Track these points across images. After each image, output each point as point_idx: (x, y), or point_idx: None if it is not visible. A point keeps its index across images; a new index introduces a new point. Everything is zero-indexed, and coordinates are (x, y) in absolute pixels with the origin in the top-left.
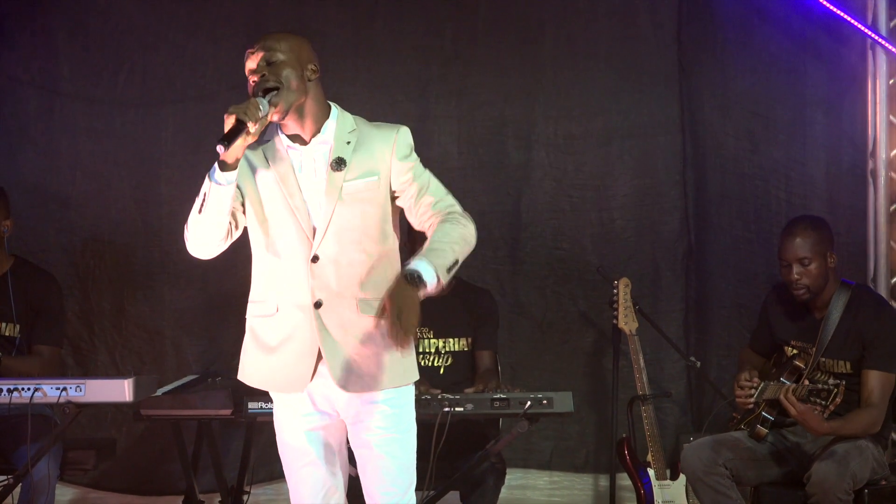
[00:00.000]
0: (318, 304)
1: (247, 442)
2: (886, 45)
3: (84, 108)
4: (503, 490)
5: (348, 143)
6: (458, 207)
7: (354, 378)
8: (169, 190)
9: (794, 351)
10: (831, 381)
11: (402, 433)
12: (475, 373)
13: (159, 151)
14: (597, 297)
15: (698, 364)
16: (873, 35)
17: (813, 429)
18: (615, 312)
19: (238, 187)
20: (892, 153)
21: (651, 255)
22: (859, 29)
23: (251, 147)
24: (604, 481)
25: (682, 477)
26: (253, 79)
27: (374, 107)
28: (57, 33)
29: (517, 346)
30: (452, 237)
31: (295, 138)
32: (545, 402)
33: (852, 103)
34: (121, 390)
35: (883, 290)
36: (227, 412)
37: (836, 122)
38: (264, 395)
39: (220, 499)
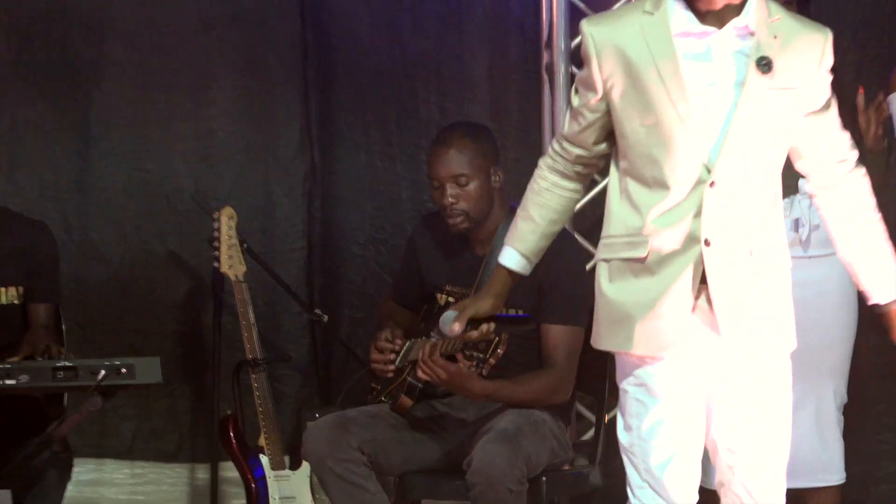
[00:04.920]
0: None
1: None
2: None
3: None
4: (69, 487)
5: (775, 37)
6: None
7: None
8: None
9: (450, 298)
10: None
11: None
12: None
13: None
14: (192, 232)
15: (326, 318)
16: None
17: (469, 391)
18: (216, 253)
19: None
20: (574, 43)
21: (262, 177)
22: None
23: (624, 25)
24: (203, 473)
25: (306, 465)
26: None
27: None
28: None
29: (84, 298)
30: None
31: (706, 16)
32: (125, 370)
33: None
34: None
35: None
36: None
37: (501, 6)
38: None
39: None
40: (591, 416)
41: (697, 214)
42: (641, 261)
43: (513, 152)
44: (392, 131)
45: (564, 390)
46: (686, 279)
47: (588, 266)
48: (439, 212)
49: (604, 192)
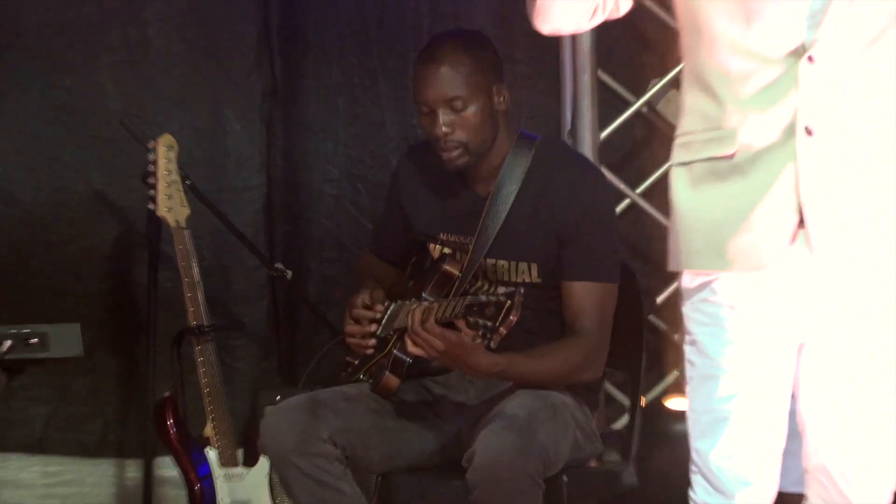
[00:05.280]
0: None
1: None
2: None
3: None
4: None
5: None
6: None
7: None
8: None
9: (445, 250)
10: (502, 290)
11: None
12: None
13: None
14: (121, 167)
15: (289, 275)
16: None
17: (474, 367)
18: (152, 192)
19: None
20: None
21: (210, 97)
22: None
23: None
24: (134, 471)
25: (264, 461)
26: None
27: None
28: None
29: None
30: None
31: None
32: (35, 340)
33: None
34: None
35: (587, 149)
36: None
37: None
38: None
39: None
40: (625, 399)
41: (793, 97)
42: (729, 158)
43: (522, 66)
44: (372, 39)
45: (595, 365)
46: (787, 180)
47: (633, 191)
48: (429, 141)
49: (635, 116)
